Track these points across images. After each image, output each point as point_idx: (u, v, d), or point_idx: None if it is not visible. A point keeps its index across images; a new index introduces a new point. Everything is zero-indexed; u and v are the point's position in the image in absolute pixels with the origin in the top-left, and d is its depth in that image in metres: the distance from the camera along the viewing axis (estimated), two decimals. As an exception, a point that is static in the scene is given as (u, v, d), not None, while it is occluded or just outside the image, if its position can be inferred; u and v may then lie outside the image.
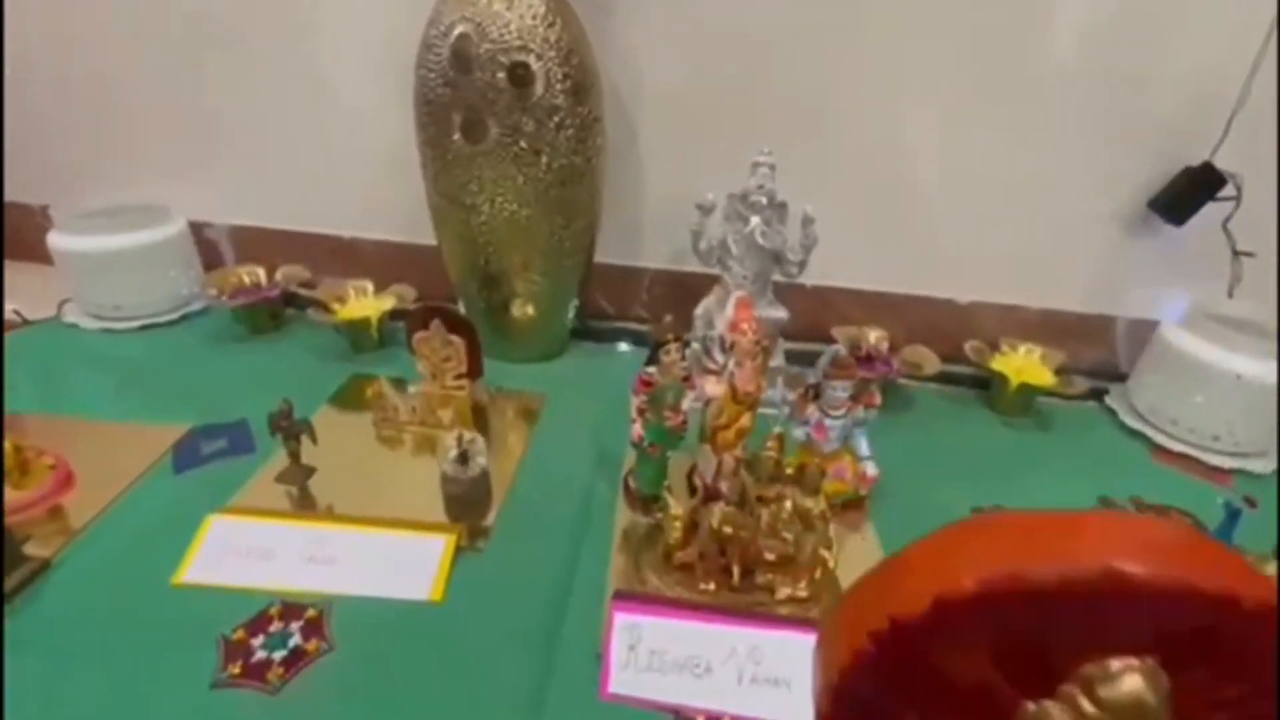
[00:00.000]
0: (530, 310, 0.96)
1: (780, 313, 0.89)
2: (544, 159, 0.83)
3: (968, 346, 0.97)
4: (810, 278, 1.06)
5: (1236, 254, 0.89)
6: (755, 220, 0.83)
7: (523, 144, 0.81)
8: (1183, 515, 0.78)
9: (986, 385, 0.98)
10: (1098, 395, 1.01)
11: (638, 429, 0.70)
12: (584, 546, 0.68)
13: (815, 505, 0.59)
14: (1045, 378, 0.93)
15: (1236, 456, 0.86)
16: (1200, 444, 0.87)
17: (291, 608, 0.58)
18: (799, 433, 0.75)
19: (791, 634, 0.55)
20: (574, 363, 1.04)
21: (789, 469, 0.62)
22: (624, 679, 0.52)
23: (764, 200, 0.82)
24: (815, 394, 0.73)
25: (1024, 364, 0.95)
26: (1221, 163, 0.87)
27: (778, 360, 0.91)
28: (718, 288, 0.90)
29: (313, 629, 0.56)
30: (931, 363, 0.93)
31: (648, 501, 0.72)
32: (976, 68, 0.93)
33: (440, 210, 0.90)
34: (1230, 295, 0.93)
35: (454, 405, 0.88)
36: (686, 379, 0.68)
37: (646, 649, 0.55)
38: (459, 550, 0.65)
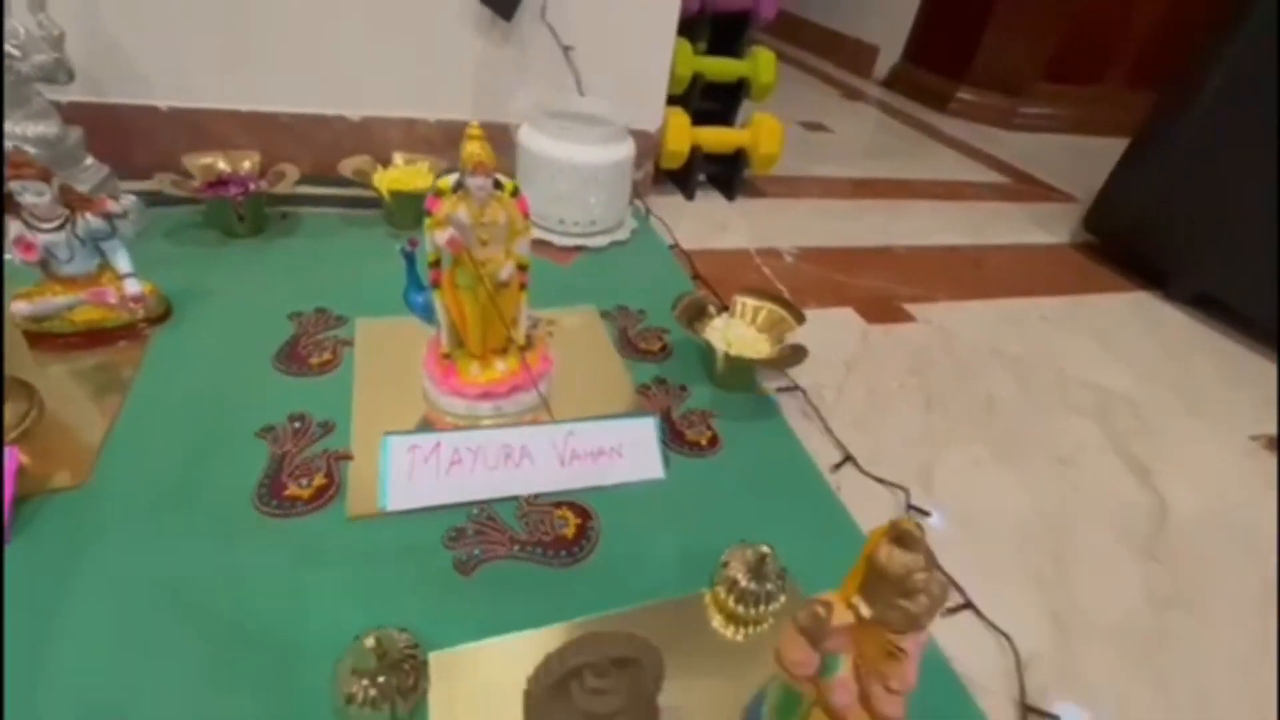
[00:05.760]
0: None
1: (43, 128, 0.73)
2: None
3: (346, 165, 0.94)
4: (164, 98, 0.92)
5: (564, 49, 0.98)
6: (-72, -2, 0.64)
7: None
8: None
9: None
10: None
11: None
12: None
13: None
14: (419, 185, 0.94)
15: (580, 236, 0.99)
16: (553, 229, 0.98)
17: None
18: (14, 257, 0.63)
19: None
20: None
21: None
22: None
23: (-75, -32, 0.63)
24: (12, 205, 0.62)
25: (401, 175, 0.95)
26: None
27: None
28: (-57, 100, 0.71)
29: None
30: (291, 176, 0.88)
31: None
32: None
33: None
34: (581, 93, 1.04)
35: None
36: None
37: None
38: None
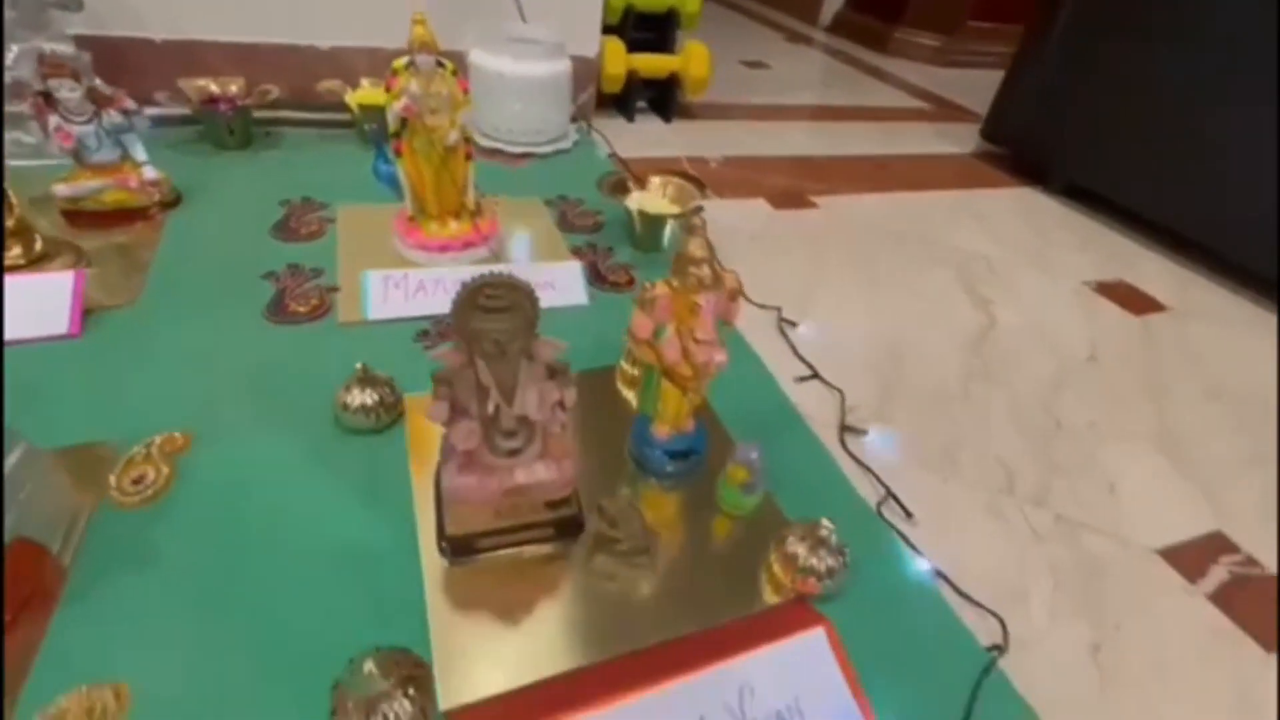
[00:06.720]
0: None
1: (63, 46, 0.86)
2: None
3: (319, 86, 1.08)
4: (158, 32, 1.05)
5: (507, -18, 1.12)
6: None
7: None
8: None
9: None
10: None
11: None
12: None
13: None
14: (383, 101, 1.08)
15: (528, 145, 1.14)
16: (503, 139, 1.14)
17: None
18: (53, 146, 0.78)
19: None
20: None
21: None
22: None
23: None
24: (48, 100, 0.76)
25: (368, 94, 1.09)
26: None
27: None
28: (-24, 25, 0.84)
29: None
30: (274, 93, 1.03)
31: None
32: None
33: None
34: (524, 20, 1.18)
35: None
36: None
37: None
38: None
